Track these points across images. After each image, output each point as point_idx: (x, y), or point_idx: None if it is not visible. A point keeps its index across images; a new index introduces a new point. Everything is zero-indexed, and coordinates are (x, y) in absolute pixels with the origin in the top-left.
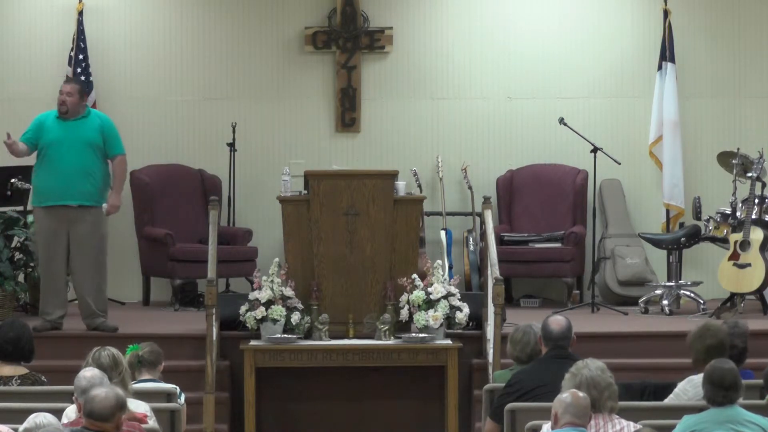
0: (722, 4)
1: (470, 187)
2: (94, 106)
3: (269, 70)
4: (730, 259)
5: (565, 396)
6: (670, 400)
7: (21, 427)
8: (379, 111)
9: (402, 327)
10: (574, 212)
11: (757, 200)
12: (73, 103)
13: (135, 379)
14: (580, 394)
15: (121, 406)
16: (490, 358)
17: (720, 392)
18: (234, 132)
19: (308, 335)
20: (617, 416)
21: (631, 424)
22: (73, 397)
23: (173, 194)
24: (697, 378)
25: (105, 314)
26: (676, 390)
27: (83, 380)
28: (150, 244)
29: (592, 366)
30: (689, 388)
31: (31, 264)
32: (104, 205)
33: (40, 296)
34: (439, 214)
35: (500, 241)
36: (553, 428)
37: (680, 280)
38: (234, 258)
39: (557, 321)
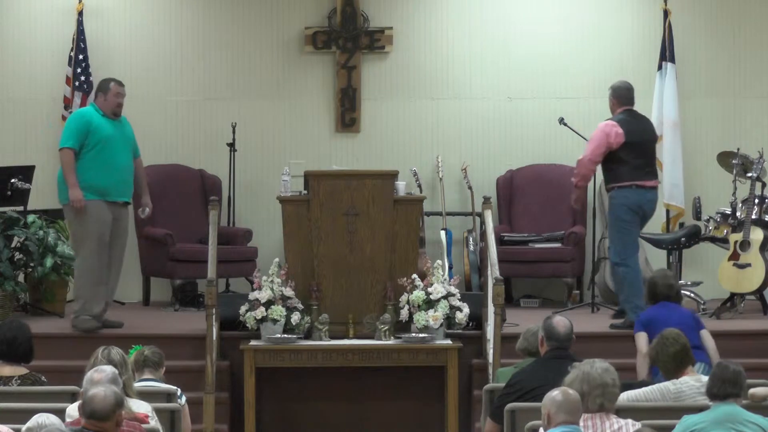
0: (722, 4)
1: (470, 187)
2: None
3: (269, 70)
4: (730, 259)
5: (556, 394)
6: (644, 392)
7: (24, 427)
8: (379, 111)
9: (402, 327)
10: (574, 212)
11: (757, 200)
12: (122, 106)
13: (136, 379)
14: (570, 391)
15: (120, 403)
16: (490, 358)
17: (720, 384)
18: (234, 132)
19: (308, 335)
20: (614, 415)
21: (630, 421)
22: (81, 391)
23: (173, 194)
24: (679, 382)
25: None
26: (653, 387)
27: (89, 383)
28: (150, 244)
29: (598, 365)
30: (672, 389)
31: (31, 264)
32: (147, 210)
33: (80, 293)
34: (439, 214)
35: (500, 241)
36: (546, 428)
37: (680, 280)
38: (234, 258)
39: (563, 322)
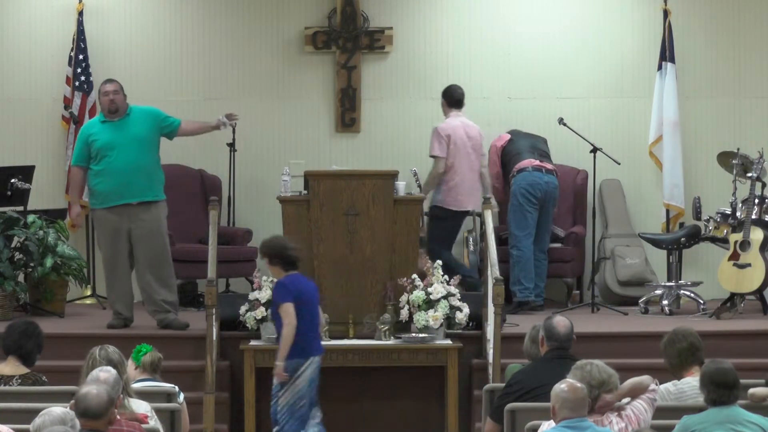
0: (722, 4)
1: None
2: (94, 106)
3: (269, 70)
4: (730, 259)
5: (563, 388)
6: None
7: (31, 427)
8: (379, 111)
9: (402, 327)
10: (574, 212)
11: (757, 200)
12: (120, 100)
13: (135, 379)
14: (578, 384)
15: (113, 401)
16: (490, 358)
17: (724, 392)
18: (234, 132)
19: None
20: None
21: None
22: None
23: (173, 194)
24: (681, 382)
25: (175, 310)
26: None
27: (95, 381)
28: None
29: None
30: (673, 390)
31: (31, 264)
32: (225, 120)
33: (107, 295)
34: None
35: (500, 241)
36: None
37: (680, 280)
38: (234, 258)
39: (563, 322)
